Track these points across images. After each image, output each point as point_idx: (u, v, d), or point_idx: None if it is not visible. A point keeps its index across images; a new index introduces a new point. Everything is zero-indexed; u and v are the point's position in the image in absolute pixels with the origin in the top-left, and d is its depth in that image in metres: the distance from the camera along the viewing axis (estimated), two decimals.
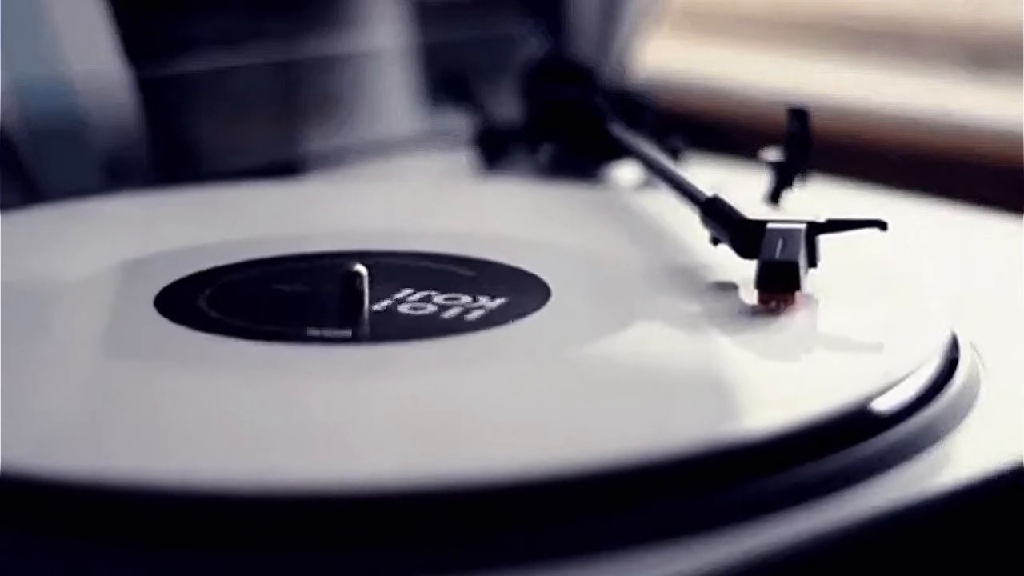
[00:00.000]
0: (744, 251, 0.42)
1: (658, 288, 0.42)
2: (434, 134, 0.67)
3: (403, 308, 0.40)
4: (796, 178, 0.50)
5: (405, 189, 0.58)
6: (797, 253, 0.40)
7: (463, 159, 0.62)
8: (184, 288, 0.42)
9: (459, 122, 0.64)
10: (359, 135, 0.66)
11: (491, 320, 0.39)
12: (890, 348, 0.39)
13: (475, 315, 0.40)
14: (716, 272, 0.43)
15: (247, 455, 0.32)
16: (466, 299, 0.41)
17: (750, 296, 0.41)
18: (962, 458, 0.35)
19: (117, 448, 0.33)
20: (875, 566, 0.33)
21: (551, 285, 0.42)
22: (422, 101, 0.68)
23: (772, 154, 0.51)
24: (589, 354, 0.38)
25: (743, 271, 0.41)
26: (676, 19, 0.79)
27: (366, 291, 0.40)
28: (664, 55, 0.77)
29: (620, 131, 0.56)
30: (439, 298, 0.41)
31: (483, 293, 0.41)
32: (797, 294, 0.40)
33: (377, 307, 0.40)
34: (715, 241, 0.44)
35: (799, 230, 0.41)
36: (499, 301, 0.41)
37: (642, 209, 0.50)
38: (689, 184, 0.46)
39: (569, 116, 0.59)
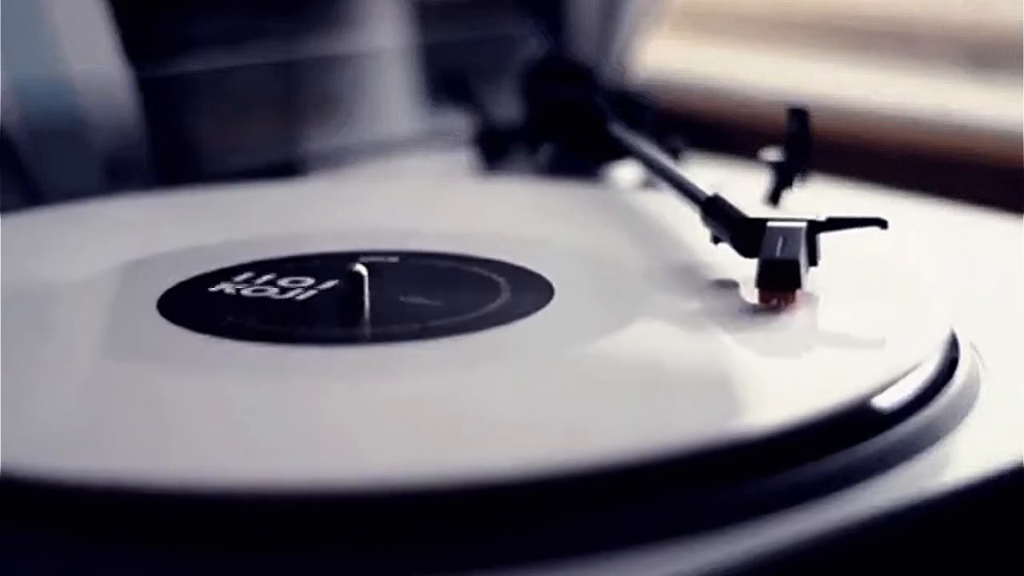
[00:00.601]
0: (745, 250, 0.42)
1: (659, 287, 0.42)
2: (434, 134, 0.67)
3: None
4: (796, 178, 0.50)
5: (405, 189, 0.58)
6: (798, 251, 0.40)
7: (463, 159, 0.62)
8: (186, 290, 0.42)
9: (459, 122, 0.64)
10: (359, 135, 0.66)
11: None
12: (890, 347, 0.39)
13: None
14: (717, 271, 0.43)
15: (248, 456, 0.32)
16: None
17: (751, 294, 0.41)
18: (962, 458, 0.35)
19: (118, 449, 0.33)
20: (875, 566, 0.33)
21: (554, 283, 0.42)
22: (422, 101, 0.68)
23: (772, 154, 0.51)
24: (591, 353, 0.38)
25: (744, 270, 0.41)
26: (676, 19, 0.79)
27: (366, 291, 0.40)
28: (664, 55, 0.77)
29: (620, 131, 0.56)
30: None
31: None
32: (798, 292, 0.40)
33: (378, 307, 0.40)
34: (716, 240, 0.44)
35: (800, 229, 0.41)
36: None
37: (643, 208, 0.50)
38: (689, 184, 0.46)
39: (569, 116, 0.59)
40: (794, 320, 0.40)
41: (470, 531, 0.30)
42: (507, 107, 0.62)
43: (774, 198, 0.51)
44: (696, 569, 0.30)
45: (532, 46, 0.71)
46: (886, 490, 0.33)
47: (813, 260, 0.41)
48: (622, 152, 0.56)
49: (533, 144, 0.60)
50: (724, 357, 0.39)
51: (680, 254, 0.45)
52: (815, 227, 0.41)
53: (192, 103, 0.62)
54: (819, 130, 0.50)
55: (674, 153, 0.55)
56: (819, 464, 0.33)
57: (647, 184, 0.56)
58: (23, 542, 0.30)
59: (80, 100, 0.58)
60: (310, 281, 0.43)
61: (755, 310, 0.40)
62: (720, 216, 0.43)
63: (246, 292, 0.42)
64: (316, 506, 0.30)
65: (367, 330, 0.40)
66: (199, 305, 0.41)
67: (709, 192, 0.44)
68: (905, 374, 0.36)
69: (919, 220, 0.54)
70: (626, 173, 0.58)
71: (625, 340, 0.38)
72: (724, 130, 0.70)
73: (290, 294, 0.42)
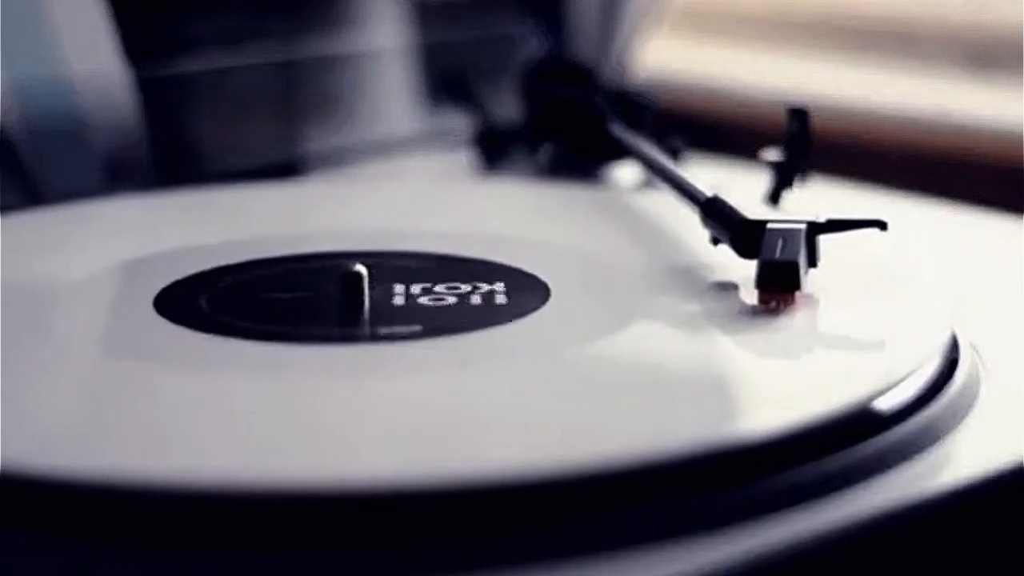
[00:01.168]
0: (744, 251, 0.42)
1: (658, 288, 0.42)
2: (434, 134, 0.67)
3: (403, 308, 0.40)
4: (796, 178, 0.50)
5: (405, 189, 0.58)
6: (797, 253, 0.40)
7: (463, 159, 0.62)
8: (184, 288, 0.42)
9: (459, 122, 0.64)
10: (359, 135, 0.66)
11: (491, 320, 0.39)
12: (890, 348, 0.39)
13: (475, 315, 0.40)
14: (716, 272, 0.43)
15: (247, 455, 0.32)
16: (466, 299, 0.41)
17: (750, 296, 0.41)
18: (962, 458, 0.35)
19: (117, 448, 0.33)
20: (875, 566, 0.33)
21: (551, 285, 0.42)
22: (422, 101, 0.68)
23: (772, 154, 0.51)
24: (589, 354, 0.38)
25: (743, 271, 0.41)
26: (676, 19, 0.79)
27: (366, 291, 0.40)
28: (664, 55, 0.77)
29: (620, 131, 0.56)
30: (439, 298, 0.41)
31: (483, 293, 0.41)
32: (797, 294, 0.40)
33: (377, 307, 0.40)
34: (715, 241, 0.44)
35: (799, 230, 0.41)
36: (499, 301, 0.41)
37: (642, 209, 0.50)
38: (689, 184, 0.46)
39: (569, 116, 0.58)
40: (793, 322, 0.40)
41: (469, 531, 0.30)
42: (507, 107, 0.62)
43: (774, 198, 0.51)
44: (696, 569, 0.30)
45: (532, 46, 0.71)
46: (886, 490, 0.33)
47: (813, 261, 0.41)
48: (622, 152, 0.56)
49: (533, 144, 0.60)
50: (723, 359, 0.39)
51: (679, 255, 0.45)
52: (815, 228, 0.41)
53: (192, 103, 0.62)
54: (819, 130, 0.50)
55: (674, 153, 0.55)
56: (819, 464, 0.33)
57: (647, 184, 0.56)
58: (22, 541, 0.30)
59: (80, 100, 0.58)
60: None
61: (754, 311, 0.40)
62: (720, 217, 0.43)
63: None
64: (315, 506, 0.30)
65: (366, 330, 0.40)
66: (197, 304, 0.41)
67: (709, 193, 0.44)
68: (905, 375, 0.36)
69: (919, 220, 0.54)
70: (626, 173, 0.58)
71: (624, 341, 0.38)
72: (724, 130, 0.70)
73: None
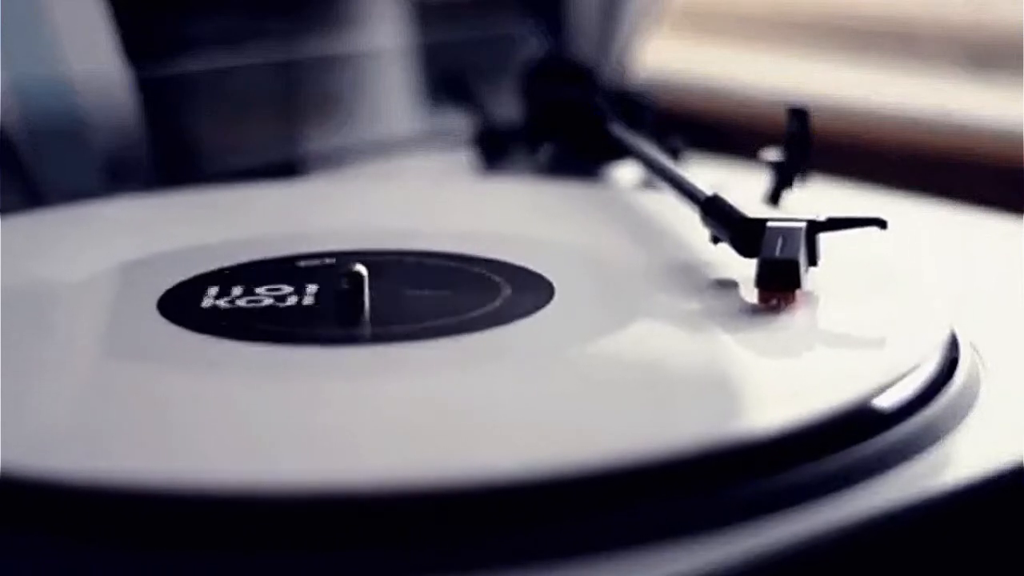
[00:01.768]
0: (744, 249, 0.42)
1: (659, 287, 0.42)
2: (434, 134, 0.67)
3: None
4: (796, 178, 0.50)
5: (405, 189, 0.58)
6: (797, 251, 0.40)
7: (463, 159, 0.62)
8: (185, 290, 0.42)
9: (459, 122, 0.64)
10: (359, 135, 0.66)
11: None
12: (890, 347, 0.39)
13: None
14: (717, 270, 0.43)
15: (248, 456, 0.32)
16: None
17: (751, 294, 0.41)
18: (962, 458, 0.35)
19: (118, 449, 0.33)
20: (875, 566, 0.33)
21: (555, 283, 0.42)
22: (422, 101, 0.68)
23: (772, 154, 0.51)
24: (591, 353, 0.38)
25: (744, 269, 0.41)
26: (676, 19, 0.79)
27: (366, 291, 0.40)
28: (664, 55, 0.77)
29: (620, 131, 0.56)
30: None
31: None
32: (797, 292, 0.40)
33: (378, 307, 0.40)
34: (715, 240, 0.44)
35: (799, 228, 0.41)
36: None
37: (642, 208, 0.50)
38: (689, 183, 0.46)
39: (569, 116, 0.59)
40: (794, 320, 0.40)
41: (470, 531, 0.30)
42: (507, 107, 0.62)
43: (774, 198, 0.51)
44: (696, 569, 0.30)
45: (532, 46, 0.71)
46: (886, 490, 0.33)
47: (813, 260, 0.41)
48: (622, 152, 0.56)
49: (533, 144, 0.60)
50: (724, 357, 0.39)
51: (680, 254, 0.45)
52: (815, 227, 0.41)
53: (192, 103, 0.62)
54: (819, 130, 0.50)
55: (674, 153, 0.55)
56: (819, 464, 0.33)
57: (647, 184, 0.56)
58: (22, 542, 0.30)
59: (80, 100, 0.58)
60: (310, 281, 0.43)
61: (755, 310, 0.40)
62: (720, 216, 0.43)
63: (245, 292, 0.42)
64: (315, 506, 0.30)
65: (367, 330, 0.40)
66: (199, 305, 0.41)
67: (709, 192, 0.44)
68: (905, 374, 0.36)
69: (919, 220, 0.54)
70: (626, 173, 0.58)
71: (625, 340, 0.38)
72: (724, 130, 0.70)
73: (289, 294, 0.42)
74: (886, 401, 0.35)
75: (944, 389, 0.37)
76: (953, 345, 0.39)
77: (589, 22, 0.73)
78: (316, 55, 0.65)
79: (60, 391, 0.36)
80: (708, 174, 0.48)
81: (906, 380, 0.36)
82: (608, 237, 0.47)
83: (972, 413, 0.37)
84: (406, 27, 0.68)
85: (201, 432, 0.34)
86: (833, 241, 0.42)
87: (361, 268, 0.40)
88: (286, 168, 0.63)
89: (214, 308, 0.41)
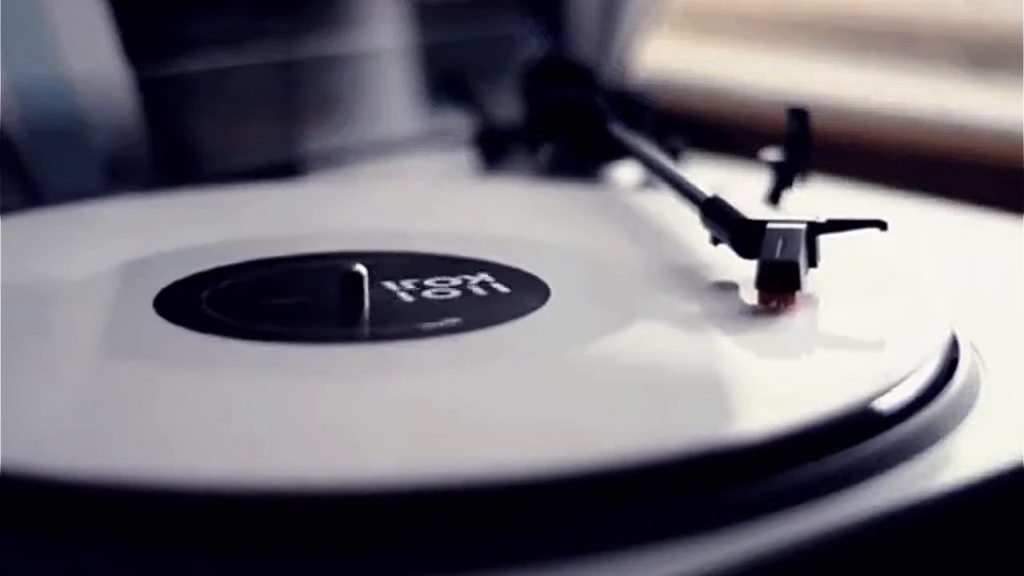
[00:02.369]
0: (744, 251, 0.42)
1: (658, 288, 0.42)
2: (434, 134, 0.67)
3: (403, 308, 0.40)
4: (796, 178, 0.50)
5: (405, 189, 0.58)
6: (797, 253, 0.40)
7: (463, 159, 0.62)
8: (183, 289, 0.42)
9: (459, 122, 0.64)
10: (359, 135, 0.66)
11: (491, 319, 0.39)
12: (890, 348, 0.39)
13: (475, 315, 0.40)
14: (716, 272, 0.43)
15: (247, 455, 0.32)
16: (466, 299, 0.41)
17: (750, 296, 0.41)
18: (962, 458, 0.35)
19: (117, 448, 0.33)
20: (875, 566, 0.33)
21: (551, 285, 0.42)
22: (422, 101, 0.68)
23: (772, 154, 0.51)
24: (589, 354, 0.38)
25: (743, 271, 0.41)
26: (676, 19, 0.79)
27: (366, 291, 0.40)
28: (664, 55, 0.77)
29: (620, 131, 0.56)
30: (439, 298, 0.41)
31: (483, 292, 0.41)
32: (797, 294, 0.40)
33: (377, 307, 0.40)
34: (715, 241, 0.44)
35: (799, 230, 0.41)
36: (499, 301, 0.41)
37: (642, 209, 0.50)
38: (689, 184, 0.46)
39: (569, 116, 0.59)
40: (794, 322, 0.40)
41: (469, 531, 0.30)
42: (507, 107, 0.62)
43: (774, 198, 0.51)
44: (696, 569, 0.30)
45: (532, 46, 0.71)
46: (886, 490, 0.33)
47: (813, 261, 0.41)
48: (622, 152, 0.56)
49: (533, 144, 0.60)
50: (723, 359, 0.39)
51: (679, 255, 0.45)
52: (815, 228, 0.41)
53: (192, 103, 0.62)
54: (819, 130, 0.50)
55: (674, 153, 0.55)
56: (819, 464, 0.33)
57: (647, 184, 0.56)
58: (21, 542, 0.30)
59: (80, 100, 0.58)
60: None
61: (755, 311, 0.40)
62: (720, 217, 0.43)
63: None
64: (314, 506, 0.30)
65: (366, 330, 0.40)
66: (196, 304, 0.41)
67: (709, 193, 0.44)
68: (905, 375, 0.36)
69: (919, 220, 0.54)
70: (626, 173, 0.58)
71: (624, 341, 0.38)
72: (724, 130, 0.70)
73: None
74: (886, 402, 0.35)
75: (944, 389, 0.37)
76: (953, 345, 0.39)
77: (589, 22, 0.73)
78: (316, 55, 0.65)
79: (58, 390, 0.36)
80: (708, 174, 0.48)
81: (906, 381, 0.36)
82: (608, 238, 0.47)
83: (972, 413, 0.37)
84: (406, 27, 0.68)
85: (200, 431, 0.34)
86: (833, 242, 0.42)
87: (361, 268, 0.40)
88: (286, 168, 0.63)
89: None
